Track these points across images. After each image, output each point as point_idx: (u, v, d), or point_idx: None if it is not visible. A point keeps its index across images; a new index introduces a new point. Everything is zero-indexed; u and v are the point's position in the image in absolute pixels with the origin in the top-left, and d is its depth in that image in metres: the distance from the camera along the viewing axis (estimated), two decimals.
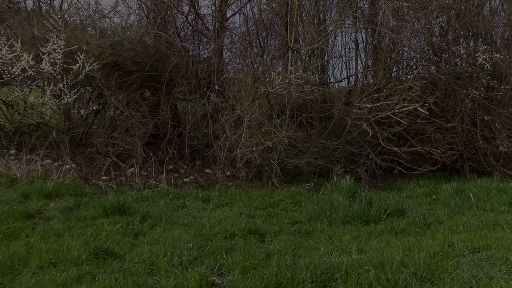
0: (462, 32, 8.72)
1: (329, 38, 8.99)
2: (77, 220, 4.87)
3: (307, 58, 8.32)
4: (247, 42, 8.93)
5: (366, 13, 9.27)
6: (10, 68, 6.96)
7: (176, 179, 6.97)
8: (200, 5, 12.00)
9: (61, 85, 6.95)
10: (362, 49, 9.86)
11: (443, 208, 5.83)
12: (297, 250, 4.20)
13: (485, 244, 4.29)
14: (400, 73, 9.48)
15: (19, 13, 8.87)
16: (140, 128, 7.53)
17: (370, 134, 7.20)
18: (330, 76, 9.77)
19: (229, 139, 7.25)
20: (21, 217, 4.85)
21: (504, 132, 7.76)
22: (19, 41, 7.00)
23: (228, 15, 10.17)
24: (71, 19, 8.85)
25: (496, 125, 7.80)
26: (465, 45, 8.53)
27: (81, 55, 6.92)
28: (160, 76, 8.35)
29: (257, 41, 9.66)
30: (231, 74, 7.98)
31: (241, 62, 8.97)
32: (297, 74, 7.07)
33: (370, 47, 9.15)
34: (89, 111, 7.81)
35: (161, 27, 8.76)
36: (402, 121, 6.99)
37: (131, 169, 6.98)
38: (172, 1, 8.98)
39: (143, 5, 9.39)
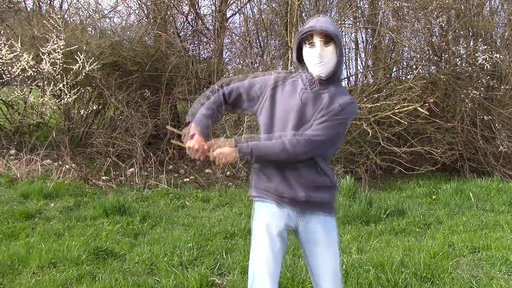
0: (462, 32, 8.72)
1: None
2: (77, 220, 4.86)
3: None
4: (247, 42, 8.93)
5: (366, 13, 9.27)
6: (10, 68, 6.95)
7: (176, 179, 6.97)
8: (200, 5, 12.00)
9: (61, 85, 6.94)
10: (362, 49, 9.88)
11: (443, 208, 5.83)
12: (297, 250, 4.19)
13: (485, 244, 4.29)
14: (400, 73, 9.49)
15: (19, 13, 8.87)
16: (140, 128, 7.53)
17: (370, 134, 7.19)
18: None
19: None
20: (21, 217, 4.85)
21: (504, 132, 7.77)
22: (19, 41, 6.99)
23: (228, 15, 10.18)
24: (71, 19, 8.85)
25: (496, 125, 7.80)
26: (465, 45, 8.54)
27: (81, 55, 6.90)
28: (160, 76, 8.34)
29: (257, 41, 9.68)
30: (231, 74, 7.98)
31: (241, 62, 8.97)
32: None
33: (370, 47, 9.15)
34: (89, 111, 7.80)
35: (161, 27, 8.76)
36: (402, 121, 6.99)
37: (131, 169, 6.98)
38: (172, 1, 8.98)
39: (143, 5, 9.41)
